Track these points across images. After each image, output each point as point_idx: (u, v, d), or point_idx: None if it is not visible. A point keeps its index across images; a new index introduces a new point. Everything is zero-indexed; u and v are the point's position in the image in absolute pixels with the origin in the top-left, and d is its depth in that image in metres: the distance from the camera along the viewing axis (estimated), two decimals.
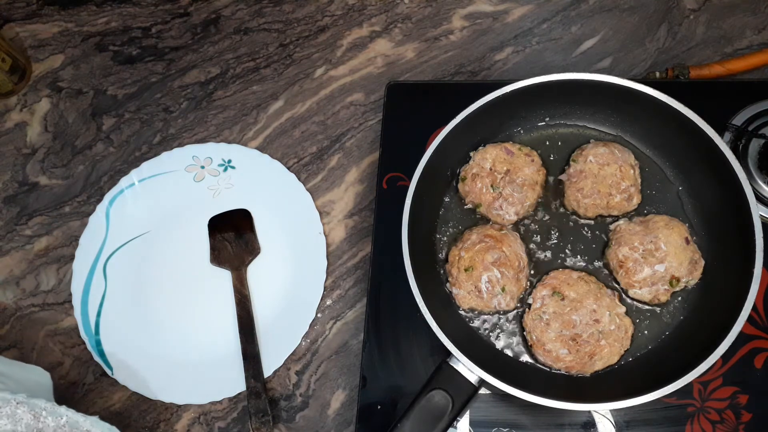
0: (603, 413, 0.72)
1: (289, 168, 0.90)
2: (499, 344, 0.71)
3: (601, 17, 0.98)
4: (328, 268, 0.84)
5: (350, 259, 0.86)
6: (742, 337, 0.66)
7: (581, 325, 0.67)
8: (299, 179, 0.89)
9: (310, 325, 0.81)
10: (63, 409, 0.61)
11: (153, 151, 0.94)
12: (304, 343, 0.82)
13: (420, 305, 0.65)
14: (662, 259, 0.68)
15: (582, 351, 0.67)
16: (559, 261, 0.74)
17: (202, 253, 0.87)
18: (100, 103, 0.99)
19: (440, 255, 0.75)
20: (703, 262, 0.70)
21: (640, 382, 0.63)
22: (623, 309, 0.69)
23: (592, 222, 0.75)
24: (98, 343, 0.82)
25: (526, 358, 0.71)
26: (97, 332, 0.83)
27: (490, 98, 0.72)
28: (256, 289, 0.84)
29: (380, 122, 0.88)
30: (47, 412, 0.60)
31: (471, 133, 0.76)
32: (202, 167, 0.91)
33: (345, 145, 0.93)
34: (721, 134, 0.79)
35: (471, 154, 0.77)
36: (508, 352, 0.71)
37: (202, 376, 0.80)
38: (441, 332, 0.64)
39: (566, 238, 0.75)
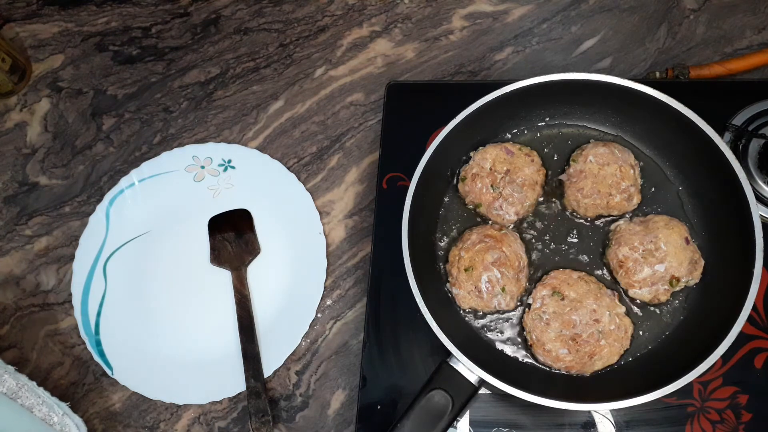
0: (603, 413, 0.72)
1: (289, 168, 0.90)
2: (499, 344, 0.71)
3: (601, 17, 0.98)
4: (328, 268, 0.84)
5: (350, 259, 0.86)
6: (742, 337, 0.66)
7: (581, 325, 0.67)
8: (299, 179, 0.89)
9: (310, 325, 0.81)
10: (41, 390, 0.72)
11: (153, 151, 0.94)
12: (304, 343, 0.82)
13: (420, 305, 0.65)
14: (662, 259, 0.68)
15: (582, 351, 0.67)
16: (559, 261, 0.74)
17: (202, 253, 0.87)
18: (100, 103, 0.99)
19: (440, 255, 0.75)
20: (703, 262, 0.69)
21: (640, 382, 0.63)
22: (623, 309, 0.69)
23: (592, 222, 0.75)
24: (98, 343, 0.82)
25: (526, 358, 0.71)
26: (97, 332, 0.83)
27: (490, 98, 0.72)
28: (256, 289, 0.84)
29: (380, 122, 0.88)
30: (27, 388, 0.71)
31: (471, 133, 0.76)
32: (202, 167, 0.91)
33: (345, 145, 0.93)
34: (721, 134, 0.79)
35: (471, 154, 0.77)
36: (508, 352, 0.71)
37: (202, 376, 0.80)
38: (441, 332, 0.63)
39: (566, 238, 0.75)
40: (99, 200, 0.90)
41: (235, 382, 0.79)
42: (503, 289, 0.70)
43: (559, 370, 0.69)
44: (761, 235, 0.64)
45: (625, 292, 0.71)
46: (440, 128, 0.72)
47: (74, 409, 0.75)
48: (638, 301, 0.71)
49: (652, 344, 0.69)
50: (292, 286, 0.84)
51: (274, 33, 1.01)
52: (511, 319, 0.72)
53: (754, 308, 0.73)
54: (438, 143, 0.71)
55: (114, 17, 1.04)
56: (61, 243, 0.90)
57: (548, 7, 0.99)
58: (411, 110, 0.87)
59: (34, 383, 0.72)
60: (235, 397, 0.80)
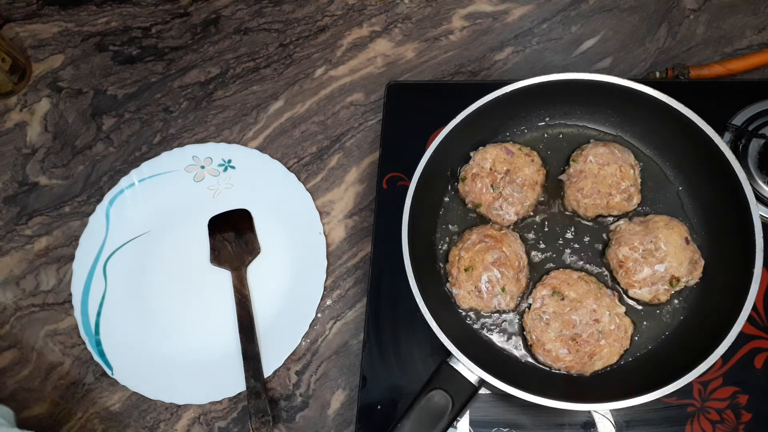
0: (603, 413, 0.72)
1: (289, 168, 0.90)
2: (499, 344, 0.71)
3: (601, 17, 0.98)
4: (328, 268, 0.84)
5: (350, 259, 0.86)
6: (742, 337, 0.66)
7: (581, 325, 0.67)
8: (299, 179, 0.89)
9: (310, 325, 0.81)
10: None
11: (153, 151, 0.94)
12: (304, 343, 0.82)
13: (420, 305, 0.65)
14: (662, 259, 0.68)
15: (582, 351, 0.67)
16: (560, 261, 0.74)
17: (202, 253, 0.87)
18: (100, 103, 0.99)
19: (440, 255, 0.75)
20: (703, 262, 0.69)
21: (640, 382, 0.63)
22: (623, 309, 0.69)
23: (592, 222, 0.75)
24: (98, 343, 0.82)
25: (526, 358, 0.71)
26: (97, 332, 0.83)
27: (490, 98, 0.72)
28: (256, 289, 0.84)
29: (380, 122, 0.88)
30: None
31: (471, 133, 0.76)
32: (202, 167, 0.91)
33: (345, 145, 0.93)
34: (721, 134, 0.79)
35: (471, 154, 0.77)
36: (508, 352, 0.71)
37: (202, 376, 0.80)
38: (441, 332, 0.64)
39: (566, 238, 0.75)
40: (99, 200, 0.90)
41: (235, 382, 0.79)
42: (503, 289, 0.70)
43: (559, 370, 0.69)
44: (761, 235, 0.64)
45: (625, 292, 0.71)
46: (440, 128, 0.72)
47: (74, 409, 0.75)
48: (638, 301, 0.71)
49: (652, 344, 0.69)
50: (292, 286, 0.84)
51: (274, 33, 1.01)
52: (511, 319, 0.72)
53: (754, 308, 0.73)
54: (438, 143, 0.71)
55: (114, 17, 1.04)
56: (61, 243, 0.90)
57: (548, 7, 0.99)
58: (411, 110, 0.87)
59: None
60: (235, 397, 0.80)
